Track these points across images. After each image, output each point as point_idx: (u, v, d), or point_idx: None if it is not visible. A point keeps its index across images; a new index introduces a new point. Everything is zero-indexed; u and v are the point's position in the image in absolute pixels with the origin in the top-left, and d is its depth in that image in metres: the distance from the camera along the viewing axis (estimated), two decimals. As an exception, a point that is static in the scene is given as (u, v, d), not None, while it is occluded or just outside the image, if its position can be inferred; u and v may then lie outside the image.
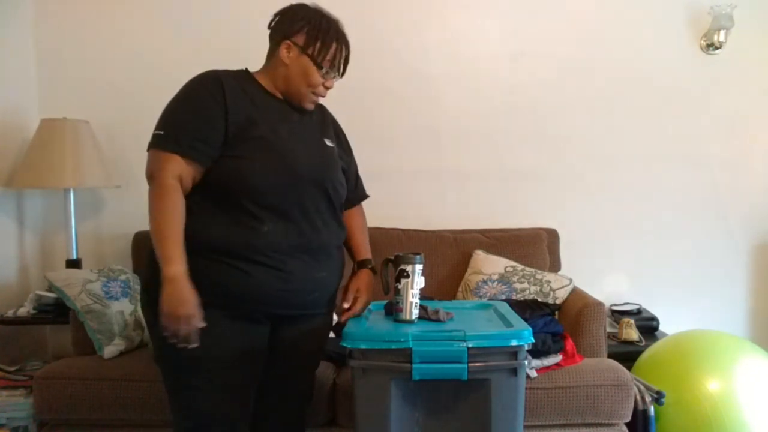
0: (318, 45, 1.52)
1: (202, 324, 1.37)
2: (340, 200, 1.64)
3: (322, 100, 1.66)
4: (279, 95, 1.58)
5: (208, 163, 1.46)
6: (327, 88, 1.57)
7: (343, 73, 1.61)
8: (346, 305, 1.61)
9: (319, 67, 1.53)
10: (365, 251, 1.73)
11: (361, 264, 1.71)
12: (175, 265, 1.36)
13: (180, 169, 1.43)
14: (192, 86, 1.51)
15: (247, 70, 1.61)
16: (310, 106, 1.59)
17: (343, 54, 1.57)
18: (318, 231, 1.55)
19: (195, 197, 1.46)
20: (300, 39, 1.53)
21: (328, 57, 1.53)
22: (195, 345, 1.37)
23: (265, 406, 1.64)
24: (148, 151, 1.48)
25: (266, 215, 1.47)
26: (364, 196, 1.83)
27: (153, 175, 1.44)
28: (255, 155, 1.47)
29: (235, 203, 1.46)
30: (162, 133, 1.46)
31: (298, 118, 1.60)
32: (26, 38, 2.84)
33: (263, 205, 1.46)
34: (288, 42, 1.53)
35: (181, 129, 1.45)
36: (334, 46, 1.53)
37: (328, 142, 1.64)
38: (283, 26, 1.55)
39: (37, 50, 2.87)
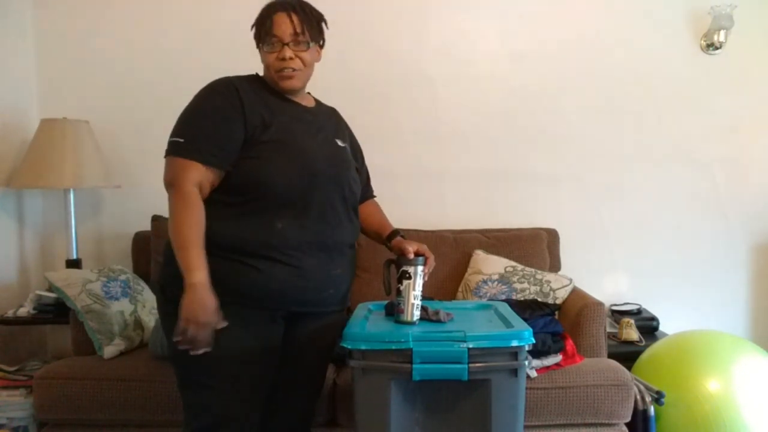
0: (256, 30, 1.56)
1: (222, 324, 1.38)
2: (355, 198, 1.65)
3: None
4: (287, 96, 1.59)
5: (228, 168, 1.47)
6: (283, 59, 1.51)
7: (308, 35, 1.53)
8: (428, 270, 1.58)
9: (260, 45, 1.54)
10: (390, 225, 1.75)
11: (393, 235, 1.69)
12: (198, 273, 1.37)
13: (200, 176, 1.44)
14: (208, 93, 1.52)
15: (257, 74, 1.62)
16: (286, 84, 1.55)
17: (276, 21, 1.50)
18: (332, 228, 1.55)
19: (211, 197, 1.47)
20: (254, 37, 1.58)
21: (261, 33, 1.53)
22: (206, 350, 1.37)
23: (275, 403, 1.64)
24: (165, 157, 1.47)
25: (281, 213, 1.47)
26: (371, 196, 1.86)
27: (173, 183, 1.44)
28: (271, 155, 1.48)
29: (251, 202, 1.47)
30: (181, 140, 1.45)
31: (311, 119, 1.61)
32: (26, 38, 2.84)
33: (279, 204, 1.47)
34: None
35: (200, 136, 1.46)
36: (263, 21, 1.53)
37: (340, 143, 1.65)
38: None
39: (37, 50, 2.87)
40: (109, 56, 2.88)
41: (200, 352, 1.36)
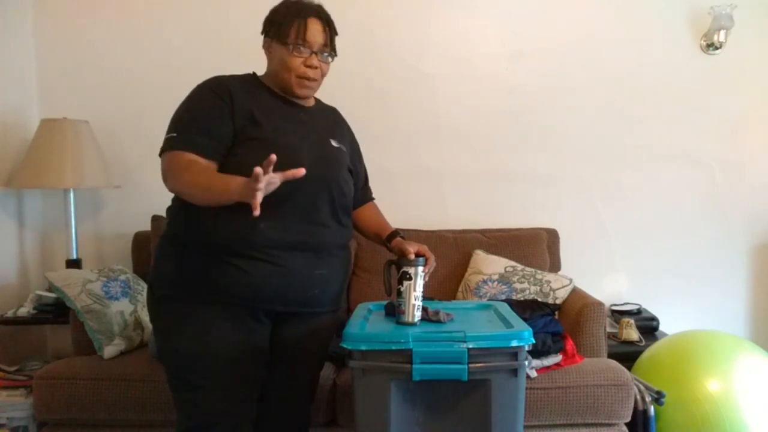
0: (279, 27, 1.53)
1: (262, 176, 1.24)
2: (345, 200, 1.63)
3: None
4: (284, 95, 1.59)
5: (220, 159, 1.47)
6: (309, 67, 1.53)
7: (331, 48, 1.56)
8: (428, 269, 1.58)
9: (285, 45, 1.51)
10: (389, 226, 1.74)
11: (392, 236, 1.69)
12: (234, 184, 1.31)
13: (194, 160, 1.44)
14: (198, 90, 1.54)
15: (254, 74, 1.62)
16: (304, 92, 1.57)
17: (310, 27, 1.51)
18: (317, 229, 1.55)
19: None
20: (269, 31, 1.56)
21: (291, 34, 1.51)
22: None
23: (269, 405, 1.64)
24: (161, 155, 1.48)
25: (265, 213, 1.46)
26: (370, 198, 1.85)
27: (167, 173, 1.45)
28: (256, 153, 1.47)
29: (239, 202, 1.46)
30: (174, 135, 1.47)
31: (305, 118, 1.61)
32: (26, 38, 2.84)
33: (266, 202, 1.46)
34: (265, 39, 1.58)
35: (191, 129, 1.47)
36: (295, 22, 1.51)
37: (335, 143, 1.64)
38: (263, 28, 1.59)
39: (37, 50, 2.87)
40: (109, 56, 2.88)
41: (258, 170, 1.23)
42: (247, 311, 1.51)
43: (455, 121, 2.94)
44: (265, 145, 1.48)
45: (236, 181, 1.31)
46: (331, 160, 1.61)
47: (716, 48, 2.88)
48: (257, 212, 1.25)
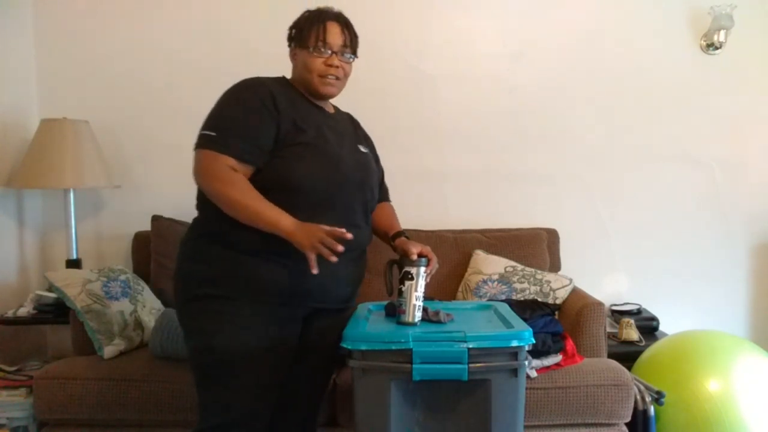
0: (300, 32, 1.58)
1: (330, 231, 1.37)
2: (373, 203, 1.70)
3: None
4: (311, 99, 1.62)
5: (260, 165, 1.49)
6: (330, 66, 1.57)
7: (351, 49, 1.61)
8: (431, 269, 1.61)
9: (307, 48, 1.56)
10: (398, 226, 1.78)
11: (397, 235, 1.72)
12: (283, 220, 1.40)
13: (232, 165, 1.46)
14: (241, 90, 1.54)
15: (284, 77, 1.65)
16: (327, 90, 1.60)
17: (329, 30, 1.56)
18: (353, 230, 1.56)
19: None
20: (292, 39, 1.62)
21: (312, 37, 1.56)
22: (341, 248, 1.36)
23: (285, 396, 1.66)
24: (196, 150, 1.48)
25: (309, 214, 1.48)
26: (385, 198, 1.89)
27: (205, 172, 1.46)
28: (303, 157, 1.51)
29: (280, 202, 1.47)
30: (213, 134, 1.47)
31: (334, 125, 1.65)
32: (26, 38, 2.84)
33: (307, 204, 1.50)
34: (290, 49, 1.63)
35: (232, 132, 1.48)
36: (315, 26, 1.56)
37: (362, 148, 1.69)
38: (287, 39, 1.64)
39: (37, 50, 2.87)
40: (109, 56, 2.88)
41: (340, 249, 1.36)
42: (285, 309, 1.53)
43: (456, 122, 2.94)
44: (309, 150, 1.52)
45: (287, 221, 1.39)
46: (364, 165, 1.66)
47: (716, 48, 2.88)
48: (316, 270, 1.36)
